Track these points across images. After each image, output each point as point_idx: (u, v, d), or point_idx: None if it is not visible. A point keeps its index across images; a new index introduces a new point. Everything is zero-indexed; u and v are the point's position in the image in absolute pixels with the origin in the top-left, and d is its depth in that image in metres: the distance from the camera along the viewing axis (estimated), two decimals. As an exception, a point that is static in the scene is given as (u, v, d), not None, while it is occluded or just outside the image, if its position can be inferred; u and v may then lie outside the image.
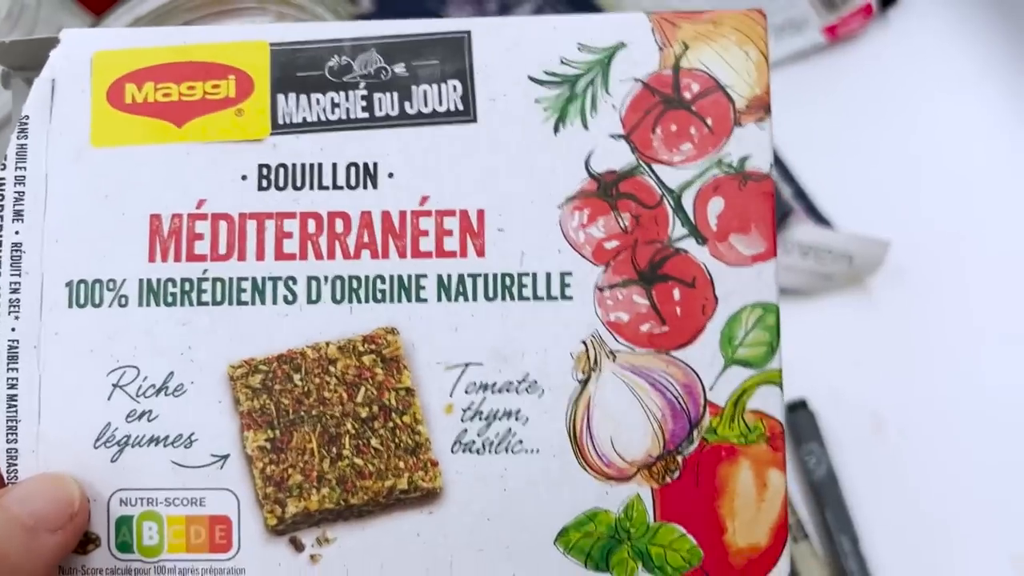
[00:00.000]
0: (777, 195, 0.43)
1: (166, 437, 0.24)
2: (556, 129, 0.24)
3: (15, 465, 0.24)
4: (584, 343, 0.24)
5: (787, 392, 0.23)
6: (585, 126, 0.24)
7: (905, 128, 0.45)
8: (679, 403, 0.23)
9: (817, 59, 0.47)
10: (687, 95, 0.24)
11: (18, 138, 0.24)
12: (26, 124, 0.24)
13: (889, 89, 0.46)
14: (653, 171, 0.24)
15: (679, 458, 0.23)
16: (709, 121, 0.24)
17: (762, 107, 0.24)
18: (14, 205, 0.24)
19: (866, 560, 0.39)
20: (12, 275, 0.24)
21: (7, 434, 0.24)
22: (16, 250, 0.24)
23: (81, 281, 0.24)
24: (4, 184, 0.24)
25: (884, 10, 0.47)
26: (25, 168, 0.24)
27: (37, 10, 0.37)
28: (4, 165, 0.24)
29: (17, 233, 0.24)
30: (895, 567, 0.40)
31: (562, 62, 0.24)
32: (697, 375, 0.23)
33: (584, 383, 0.24)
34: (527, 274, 0.24)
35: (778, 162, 0.45)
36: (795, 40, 0.46)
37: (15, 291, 0.24)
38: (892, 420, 0.42)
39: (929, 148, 0.45)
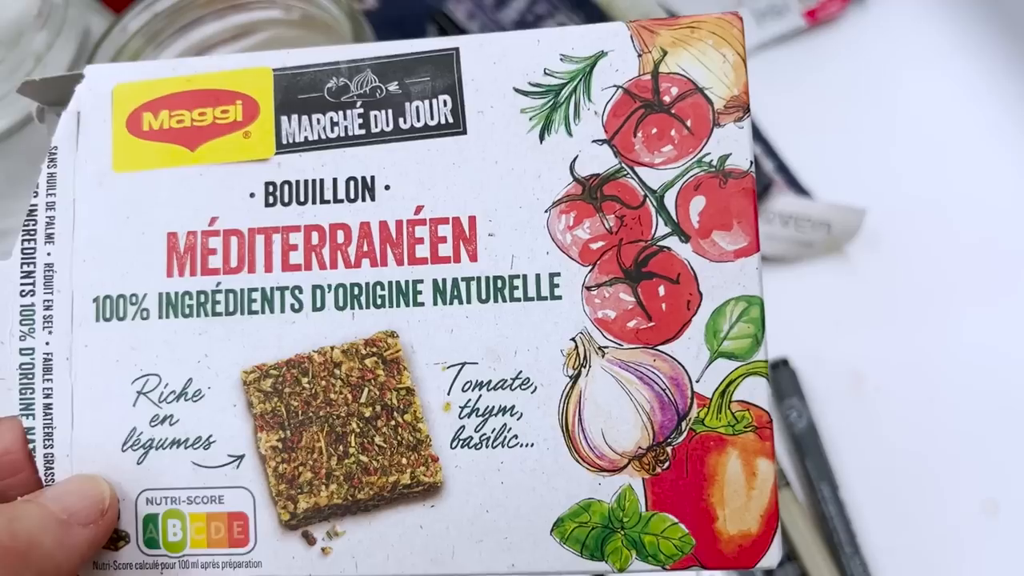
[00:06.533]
0: (759, 169, 0.44)
1: (186, 440, 0.25)
2: (541, 137, 0.25)
3: (52, 469, 0.26)
4: (574, 340, 0.25)
5: (771, 351, 0.24)
6: (569, 133, 0.25)
7: (880, 104, 0.47)
8: (667, 396, 0.24)
9: (798, 42, 0.49)
10: (667, 99, 0.25)
11: (48, 167, 0.26)
12: (55, 154, 0.26)
13: (866, 68, 0.48)
14: (636, 173, 0.25)
15: (668, 449, 0.24)
16: (689, 123, 0.25)
17: (740, 107, 0.25)
18: (46, 229, 0.26)
19: (844, 505, 0.41)
20: (45, 293, 0.26)
21: (44, 440, 0.26)
22: (48, 270, 0.26)
23: (107, 297, 0.26)
24: (37, 210, 0.26)
25: (861, -7, 0.48)
26: (55, 195, 0.26)
27: (65, 9, 0.40)
28: (36, 193, 0.26)
29: (49, 255, 0.26)
30: (872, 512, 0.41)
31: (546, 73, 0.25)
32: (684, 368, 0.24)
33: (575, 379, 0.24)
34: (518, 276, 0.25)
35: (760, 138, 0.46)
36: (777, 24, 0.48)
37: (48, 308, 0.26)
38: (870, 376, 0.43)
39: (902, 121, 0.47)
